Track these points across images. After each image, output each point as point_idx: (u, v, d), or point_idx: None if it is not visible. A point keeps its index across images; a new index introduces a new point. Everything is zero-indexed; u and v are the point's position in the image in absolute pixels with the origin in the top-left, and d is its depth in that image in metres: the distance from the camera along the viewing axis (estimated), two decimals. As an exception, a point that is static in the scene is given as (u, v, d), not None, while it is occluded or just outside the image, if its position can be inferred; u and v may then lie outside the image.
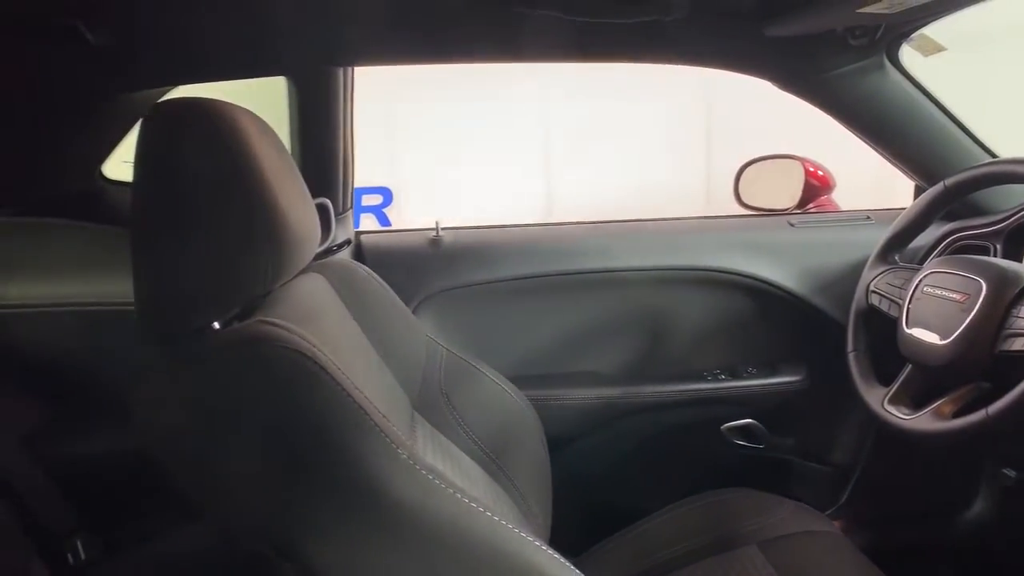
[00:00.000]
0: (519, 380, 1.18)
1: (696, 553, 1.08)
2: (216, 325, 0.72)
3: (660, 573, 1.06)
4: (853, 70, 1.10)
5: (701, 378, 1.36)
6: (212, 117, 0.70)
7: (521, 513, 1.08)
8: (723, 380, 1.35)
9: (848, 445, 1.39)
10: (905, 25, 1.02)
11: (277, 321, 0.67)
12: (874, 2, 0.82)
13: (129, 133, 1.23)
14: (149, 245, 0.70)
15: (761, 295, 1.35)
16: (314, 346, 0.65)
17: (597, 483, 1.34)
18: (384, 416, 0.66)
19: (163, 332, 0.70)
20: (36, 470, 1.21)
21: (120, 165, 1.29)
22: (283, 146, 0.87)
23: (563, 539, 1.21)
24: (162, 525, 1.27)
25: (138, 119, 1.20)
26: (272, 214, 0.71)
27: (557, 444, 1.27)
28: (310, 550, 0.62)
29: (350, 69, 1.19)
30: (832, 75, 1.11)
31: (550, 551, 0.71)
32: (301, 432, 0.61)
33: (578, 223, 1.44)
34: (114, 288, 1.21)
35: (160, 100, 1.20)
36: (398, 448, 0.64)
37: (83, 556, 1.21)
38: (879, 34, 1.02)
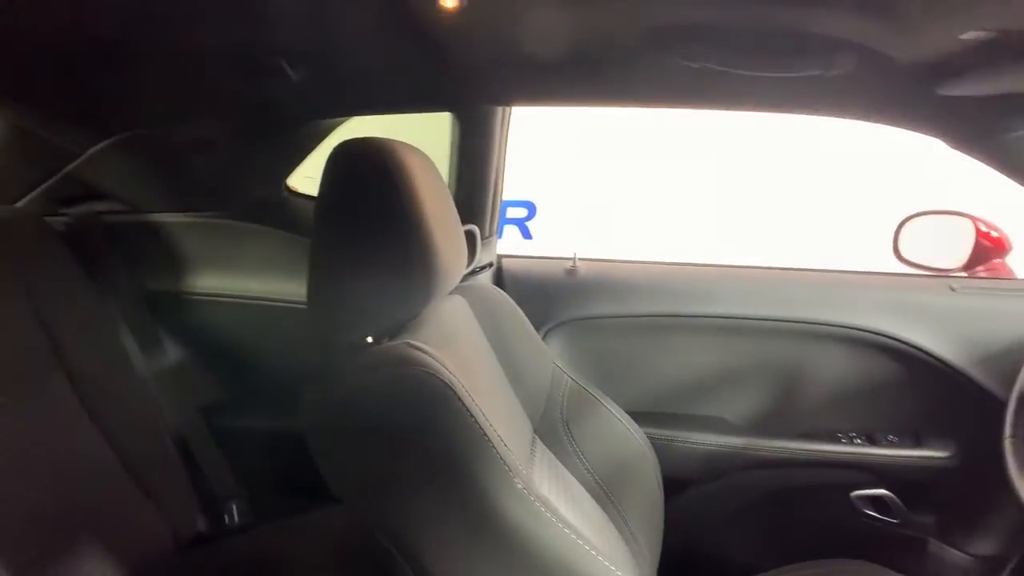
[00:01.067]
0: (640, 416, 1.20)
1: None
2: (369, 339, 0.82)
3: None
4: (1030, 132, 1.02)
5: (834, 439, 1.30)
6: (385, 156, 0.80)
7: (630, 551, 1.09)
8: (859, 445, 1.28)
9: (997, 536, 1.26)
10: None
11: (420, 345, 0.74)
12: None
13: (311, 152, 1.39)
14: (323, 262, 0.81)
15: (910, 360, 1.26)
16: (451, 372, 0.72)
17: (709, 532, 1.32)
18: (505, 444, 0.72)
19: (326, 339, 0.81)
20: (209, 438, 1.40)
21: (303, 180, 1.46)
22: (441, 180, 0.96)
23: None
24: (306, 504, 1.42)
25: (319, 141, 1.37)
26: (426, 246, 0.79)
27: (673, 486, 1.27)
28: (426, 554, 0.69)
29: (508, 108, 1.27)
30: (1012, 137, 1.03)
31: None
32: (429, 448, 0.68)
33: (717, 265, 1.43)
34: (288, 288, 1.38)
35: (340, 131, 1.36)
36: (515, 477, 0.69)
37: (236, 519, 1.38)
38: None
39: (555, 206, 3.20)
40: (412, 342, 0.75)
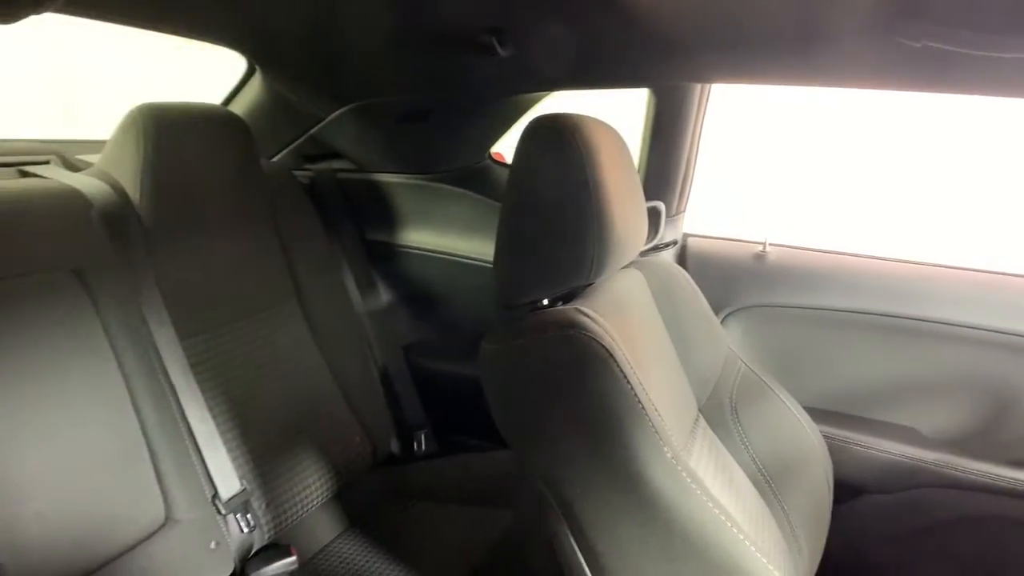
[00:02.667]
0: (816, 414, 1.15)
1: None
2: (544, 302, 0.89)
3: None
4: None
5: (1046, 471, 1.14)
6: (573, 130, 0.85)
7: (788, 548, 1.07)
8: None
9: None
10: None
11: (588, 311, 0.80)
12: None
13: (514, 124, 1.49)
14: (508, 227, 0.89)
15: None
16: (612, 339, 0.76)
17: (881, 547, 1.24)
18: (658, 413, 0.75)
19: (507, 299, 0.89)
20: (407, 374, 1.59)
21: (507, 150, 1.57)
22: (629, 156, 0.99)
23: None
24: (482, 445, 1.57)
25: (522, 114, 1.46)
26: (603, 220, 0.83)
27: (845, 492, 1.21)
28: (575, 502, 0.76)
29: (708, 85, 1.25)
30: None
31: None
32: (585, 407, 0.74)
33: (925, 264, 1.29)
34: (484, 247, 1.50)
35: (538, 105, 1.44)
36: (664, 446, 0.72)
37: (423, 448, 1.56)
38: None
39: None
40: (581, 308, 0.80)
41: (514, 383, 0.80)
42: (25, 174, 1.20)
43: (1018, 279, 1.22)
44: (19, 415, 0.89)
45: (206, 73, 1.55)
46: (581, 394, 0.74)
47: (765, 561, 0.74)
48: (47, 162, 1.25)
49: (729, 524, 0.73)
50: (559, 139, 0.84)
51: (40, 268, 0.98)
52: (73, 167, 1.25)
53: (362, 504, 1.37)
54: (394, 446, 1.53)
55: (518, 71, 1.22)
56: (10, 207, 1.01)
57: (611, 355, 0.74)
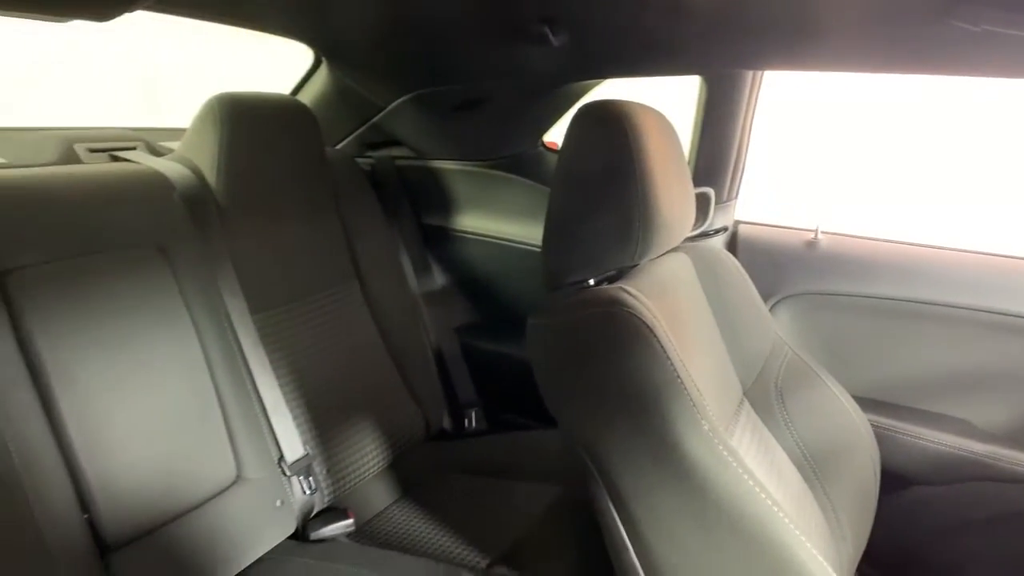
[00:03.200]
0: (865, 403, 1.15)
1: None
2: (591, 282, 0.92)
3: None
4: None
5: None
6: (621, 117, 0.88)
7: (831, 534, 1.08)
8: None
9: None
10: None
11: (631, 290, 0.83)
12: None
13: (566, 112, 1.52)
14: (556, 210, 0.93)
15: None
16: (654, 316, 0.80)
17: (928, 539, 1.23)
18: (698, 389, 0.78)
19: (554, 278, 0.93)
20: (459, 354, 1.65)
21: (559, 138, 1.60)
22: (677, 143, 1.01)
23: (872, 570, 1.17)
24: (531, 424, 1.62)
25: (574, 102, 1.49)
26: (648, 203, 0.86)
27: (892, 482, 1.20)
28: (615, 471, 0.79)
29: (759, 72, 1.25)
30: None
31: (825, 564, 0.74)
32: (626, 380, 0.77)
33: (982, 252, 1.26)
34: (536, 233, 1.54)
35: (590, 93, 1.46)
36: (702, 420, 0.75)
37: (474, 425, 1.62)
38: None
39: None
40: (624, 287, 0.84)
41: (558, 357, 0.84)
42: (115, 159, 1.30)
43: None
44: (112, 377, 0.99)
45: (273, 66, 1.63)
46: (621, 368, 0.77)
47: (801, 536, 0.76)
48: (134, 148, 1.35)
49: (764, 497, 0.76)
50: (607, 124, 0.87)
51: (130, 244, 1.08)
52: (157, 152, 1.35)
53: (415, 475, 1.44)
54: (446, 422, 1.60)
55: (570, 60, 1.25)
56: (104, 188, 1.11)
57: (652, 331, 0.77)
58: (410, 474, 1.44)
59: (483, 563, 1.12)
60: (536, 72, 1.31)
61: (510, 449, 1.50)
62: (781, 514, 0.76)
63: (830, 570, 0.75)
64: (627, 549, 0.81)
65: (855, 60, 1.14)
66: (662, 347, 0.77)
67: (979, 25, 0.86)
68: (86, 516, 0.94)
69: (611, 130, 0.87)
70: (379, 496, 1.38)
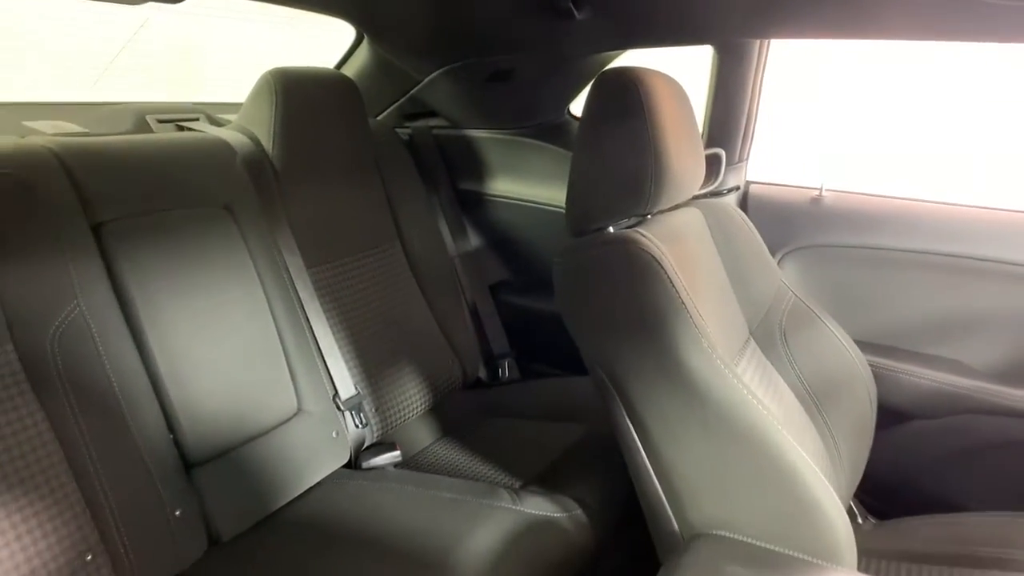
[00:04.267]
0: (865, 346, 1.26)
1: (1014, 564, 1.05)
2: (610, 229, 1.04)
3: (970, 563, 1.05)
4: None
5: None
6: (636, 82, 0.99)
7: (829, 459, 1.19)
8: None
9: None
10: None
11: (645, 233, 0.95)
12: None
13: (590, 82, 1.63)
14: (579, 165, 1.04)
15: None
16: (663, 253, 0.92)
17: (920, 467, 1.34)
18: (701, 316, 0.90)
19: (576, 228, 1.06)
20: (493, 309, 1.78)
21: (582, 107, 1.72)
22: (688, 106, 1.12)
23: (870, 500, 1.28)
24: (559, 373, 1.75)
25: (594, 74, 1.59)
26: (659, 158, 0.98)
27: (890, 417, 1.31)
28: (628, 385, 0.92)
29: (767, 41, 1.35)
30: None
31: (823, 480, 0.86)
32: (636, 304, 0.90)
33: (974, 206, 1.35)
34: (560, 195, 1.66)
35: (610, 64, 1.57)
36: (703, 339, 0.88)
37: (507, 374, 1.76)
38: None
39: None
40: (640, 231, 0.96)
41: (580, 289, 0.97)
42: (181, 128, 1.46)
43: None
44: (191, 318, 1.14)
45: (307, 42, 1.77)
46: (634, 296, 0.90)
47: (794, 442, 0.88)
48: (197, 119, 1.50)
49: (759, 406, 0.88)
50: (624, 88, 0.99)
51: (201, 202, 1.23)
52: (217, 123, 1.50)
53: (454, 417, 1.58)
54: (482, 372, 1.74)
55: (593, 32, 1.36)
56: (178, 153, 1.25)
57: (661, 266, 0.89)
58: (450, 417, 1.58)
59: (517, 484, 1.26)
60: (561, 44, 1.42)
61: (540, 395, 1.64)
62: (775, 423, 0.88)
63: (820, 474, 0.87)
64: (640, 453, 0.94)
65: (851, 28, 1.23)
66: (669, 279, 0.89)
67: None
68: (172, 436, 1.09)
69: (627, 93, 0.98)
70: (422, 434, 1.52)
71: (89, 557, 0.95)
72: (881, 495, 1.28)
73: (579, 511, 1.15)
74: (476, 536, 1.04)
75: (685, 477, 0.91)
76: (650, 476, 0.94)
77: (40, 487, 0.93)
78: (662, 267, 0.89)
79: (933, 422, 1.33)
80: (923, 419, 1.34)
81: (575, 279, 0.98)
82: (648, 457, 0.94)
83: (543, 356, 1.76)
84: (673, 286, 0.88)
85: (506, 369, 1.74)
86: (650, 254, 0.90)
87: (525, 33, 1.41)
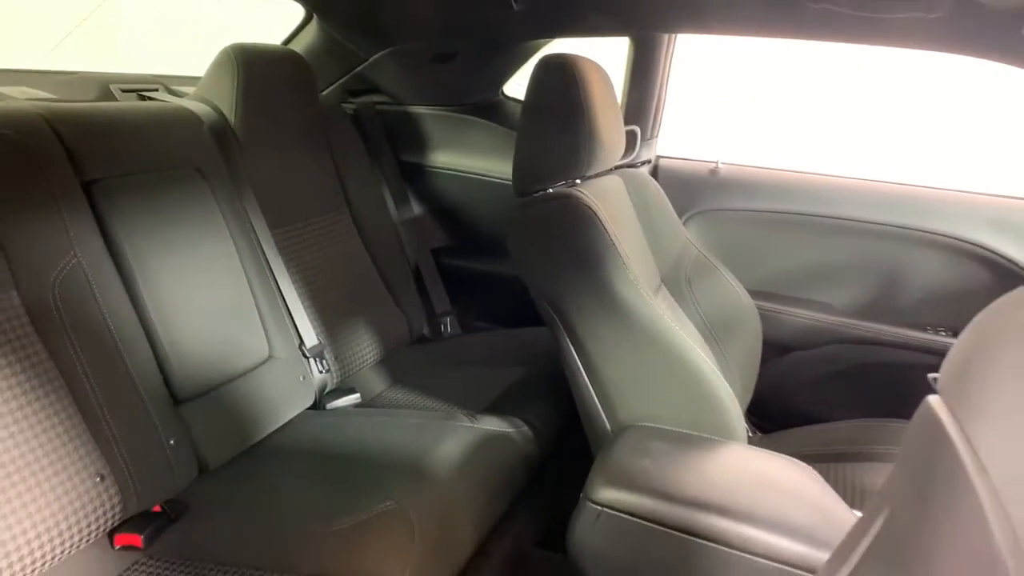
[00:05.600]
0: (754, 293, 1.53)
1: (871, 456, 1.31)
2: (550, 190, 1.25)
3: (837, 459, 1.30)
4: None
5: (923, 329, 1.53)
6: (571, 67, 1.20)
7: (728, 382, 1.45)
8: (943, 336, 1.51)
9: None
10: None
11: (580, 190, 1.16)
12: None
13: (522, 66, 1.83)
14: (525, 135, 1.24)
15: (1000, 270, 1.44)
16: (597, 206, 1.13)
17: (799, 388, 1.64)
18: (628, 254, 1.12)
19: (522, 189, 1.25)
20: (435, 271, 1.96)
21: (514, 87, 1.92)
22: (611, 87, 1.34)
23: (758, 419, 1.56)
24: (497, 326, 1.95)
25: (528, 58, 1.80)
26: (591, 130, 1.19)
27: (775, 349, 1.59)
28: (571, 315, 1.13)
29: (674, 35, 1.60)
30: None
31: (720, 377, 1.10)
32: (575, 247, 1.11)
33: (840, 176, 1.66)
34: (498, 167, 1.86)
35: (541, 50, 1.77)
36: (629, 272, 1.10)
37: (449, 330, 1.94)
38: None
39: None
40: (574, 189, 1.17)
41: (528, 237, 1.17)
42: (143, 98, 1.54)
43: (906, 187, 1.60)
44: (175, 268, 1.25)
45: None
46: (574, 240, 1.11)
47: (703, 353, 1.12)
48: (156, 89, 1.58)
49: (675, 327, 1.11)
50: (562, 72, 1.19)
51: (176, 165, 1.33)
52: (175, 94, 1.59)
53: (403, 367, 1.74)
54: (425, 329, 1.91)
55: (528, 21, 1.56)
56: (152, 120, 1.35)
57: (595, 214, 1.11)
58: (399, 367, 1.74)
59: (472, 413, 1.45)
60: (499, 31, 1.61)
61: (481, 346, 1.83)
62: (684, 337, 1.12)
63: (719, 373, 1.12)
64: (579, 369, 1.16)
65: (739, 26, 1.49)
66: (603, 225, 1.10)
67: (819, 3, 1.22)
68: (162, 375, 1.21)
69: (565, 75, 1.19)
70: (376, 382, 1.68)
71: (99, 479, 1.06)
72: (766, 413, 1.56)
73: (526, 428, 1.36)
74: (440, 448, 1.23)
75: (615, 383, 1.13)
76: (587, 386, 1.16)
77: (51, 418, 1.03)
78: (596, 217, 1.10)
79: (807, 352, 1.64)
80: (799, 350, 1.65)
81: (525, 230, 1.18)
82: (586, 371, 1.15)
83: (483, 313, 1.96)
84: (606, 230, 1.10)
85: (448, 326, 1.92)
86: (587, 206, 1.11)
87: (467, 20, 1.58)
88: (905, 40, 1.30)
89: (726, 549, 0.88)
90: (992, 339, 0.52)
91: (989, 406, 0.47)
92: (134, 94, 1.53)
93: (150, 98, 1.53)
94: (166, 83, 1.63)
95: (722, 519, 0.89)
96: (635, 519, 0.93)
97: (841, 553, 0.64)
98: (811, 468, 1.04)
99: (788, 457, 1.06)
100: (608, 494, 0.96)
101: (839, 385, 1.61)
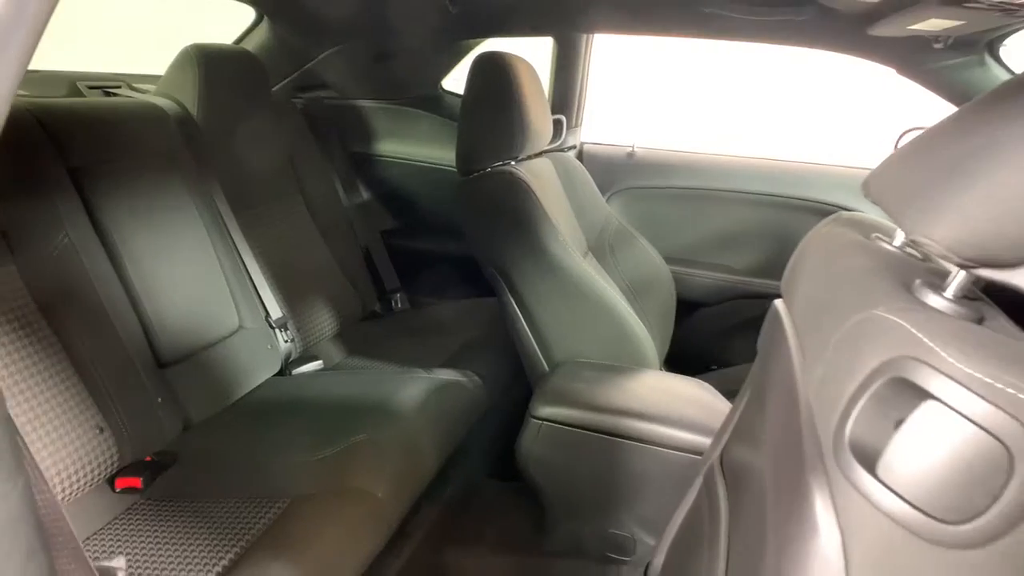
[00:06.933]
0: (669, 258, 1.77)
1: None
2: (489, 169, 1.45)
3: (731, 396, 1.57)
4: (956, 64, 1.44)
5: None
6: (504, 63, 1.40)
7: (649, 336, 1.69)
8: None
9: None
10: (988, 33, 1.34)
11: (517, 167, 1.37)
12: (924, 20, 1.21)
13: (458, 63, 2.02)
14: (466, 122, 1.43)
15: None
16: (531, 181, 1.34)
17: (709, 338, 1.90)
18: (559, 221, 1.34)
19: (465, 168, 1.45)
20: (384, 252, 2.13)
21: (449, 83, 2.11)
22: (539, 81, 1.55)
23: (674, 367, 1.80)
24: (442, 301, 2.14)
25: (464, 55, 1.99)
26: (523, 119, 1.39)
27: (688, 307, 1.85)
28: (512, 274, 1.34)
29: (592, 35, 1.83)
30: (939, 67, 1.46)
31: (636, 318, 1.33)
32: (515, 217, 1.31)
33: (738, 156, 1.93)
34: (439, 154, 2.05)
35: (475, 49, 1.97)
36: (559, 234, 1.31)
37: (399, 306, 2.11)
38: (951, 41, 1.35)
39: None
40: (511, 168, 1.37)
41: (474, 209, 1.37)
42: (108, 94, 1.65)
43: (789, 163, 1.88)
44: (155, 246, 1.38)
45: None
46: (513, 209, 1.31)
47: (627, 305, 1.34)
48: (119, 86, 1.70)
49: (602, 280, 1.33)
50: (497, 67, 1.39)
51: (148, 154, 1.46)
52: (137, 91, 1.71)
53: (359, 338, 1.91)
54: (376, 305, 2.08)
55: (463, 23, 1.75)
56: (125, 113, 1.48)
57: (530, 187, 1.31)
58: (354, 340, 1.90)
59: (430, 367, 1.63)
60: (438, 31, 1.80)
61: (429, 318, 2.02)
62: (614, 292, 1.34)
63: (635, 315, 1.34)
64: (520, 319, 1.37)
65: (647, 27, 1.73)
66: (536, 197, 1.31)
67: (709, 8, 1.47)
68: (148, 341, 1.34)
69: (500, 70, 1.39)
70: (336, 351, 1.84)
71: (99, 431, 1.20)
72: (681, 361, 1.80)
73: (476, 378, 1.56)
74: (402, 393, 1.41)
75: (550, 328, 1.34)
76: (527, 333, 1.37)
77: (54, 378, 1.16)
78: (531, 189, 1.31)
79: (714, 307, 1.90)
80: (707, 306, 1.91)
81: (471, 203, 1.38)
82: (525, 320, 1.36)
83: (430, 289, 2.14)
84: (539, 201, 1.31)
85: (398, 302, 2.10)
86: (523, 180, 1.32)
87: (407, 21, 1.76)
88: (782, 38, 1.56)
89: (642, 445, 1.10)
90: (806, 250, 0.75)
91: (797, 293, 0.70)
92: (100, 91, 1.64)
93: (115, 94, 1.65)
94: (128, 81, 1.74)
95: (639, 422, 1.11)
96: (570, 428, 1.15)
97: (719, 435, 0.87)
98: (708, 384, 1.28)
99: (691, 377, 1.30)
100: (547, 410, 1.17)
101: (741, 334, 1.87)
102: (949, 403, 0.39)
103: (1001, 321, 0.49)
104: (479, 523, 1.38)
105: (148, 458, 1.29)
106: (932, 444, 0.39)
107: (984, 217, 0.45)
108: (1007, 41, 1.41)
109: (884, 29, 1.34)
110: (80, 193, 1.30)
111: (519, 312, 1.37)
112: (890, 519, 0.40)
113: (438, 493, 1.33)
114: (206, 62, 1.61)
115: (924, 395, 0.39)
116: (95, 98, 1.51)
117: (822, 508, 0.43)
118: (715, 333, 1.90)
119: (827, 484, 0.44)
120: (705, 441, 1.06)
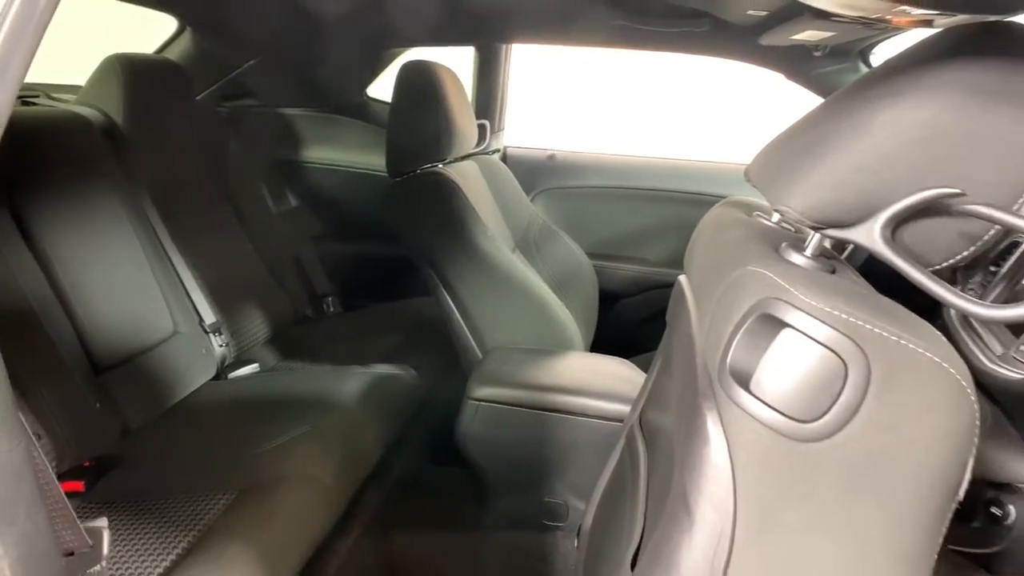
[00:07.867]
0: (590, 253, 1.89)
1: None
2: (419, 170, 1.52)
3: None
4: (834, 70, 1.64)
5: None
6: (430, 71, 1.48)
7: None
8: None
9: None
10: (859, 43, 1.54)
11: (445, 170, 1.45)
12: (801, 32, 1.38)
13: (382, 71, 2.09)
14: (395, 126, 1.51)
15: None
16: (459, 180, 1.43)
17: (630, 327, 2.03)
18: (486, 218, 1.43)
19: (396, 171, 1.52)
20: (315, 256, 2.16)
21: (375, 90, 2.17)
22: (462, 88, 1.64)
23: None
24: (373, 303, 2.19)
25: (388, 64, 2.07)
26: (449, 123, 1.48)
27: (610, 297, 1.98)
28: (446, 271, 1.42)
29: (510, 45, 1.95)
30: (820, 72, 1.65)
31: (563, 307, 1.44)
32: (446, 215, 1.40)
33: (650, 156, 2.09)
34: (367, 160, 2.10)
35: (402, 58, 2.04)
36: (488, 230, 1.40)
37: (331, 310, 2.15)
38: (828, 50, 1.55)
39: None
40: (440, 170, 1.46)
41: (406, 209, 1.45)
42: (27, 103, 1.63)
43: (694, 162, 2.05)
44: (87, 254, 1.39)
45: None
46: (443, 208, 1.40)
47: (552, 294, 1.45)
48: (38, 96, 1.68)
49: (529, 272, 1.43)
50: (423, 75, 1.48)
51: (75, 163, 1.46)
52: (58, 101, 1.69)
53: (292, 344, 1.93)
54: (308, 310, 2.11)
55: (387, 32, 1.83)
56: (44, 122, 1.47)
57: (458, 186, 1.40)
58: (287, 345, 1.92)
59: (365, 364, 1.68)
60: (361, 41, 1.86)
61: (361, 321, 2.06)
62: (534, 279, 1.44)
63: (562, 304, 1.45)
64: (454, 312, 1.45)
65: (560, 38, 1.86)
66: (464, 195, 1.40)
67: (616, 21, 1.60)
68: (83, 347, 1.34)
69: (425, 78, 1.47)
70: (271, 355, 1.86)
71: (37, 437, 1.20)
72: (605, 350, 1.92)
73: (413, 371, 1.63)
74: (342, 387, 1.46)
75: (481, 318, 1.43)
76: (460, 324, 1.45)
77: (-14, 385, 1.16)
78: (460, 189, 1.40)
79: (633, 298, 2.04)
80: (626, 297, 2.05)
81: (403, 203, 1.45)
82: (459, 312, 1.45)
83: (362, 292, 2.19)
84: (468, 199, 1.40)
85: (330, 305, 2.13)
86: (452, 181, 1.40)
87: (330, 31, 1.82)
88: (683, 48, 1.72)
89: (571, 417, 1.21)
90: (702, 229, 0.87)
91: (694, 266, 0.81)
92: (18, 100, 1.62)
93: (34, 103, 1.63)
94: (45, 91, 1.72)
95: (566, 396, 1.22)
96: (504, 406, 1.24)
97: (637, 401, 0.98)
98: (628, 362, 1.40)
99: (612, 356, 1.41)
100: (483, 391, 1.26)
101: (659, 321, 2.00)
102: (801, 329, 0.50)
103: (848, 273, 0.62)
104: (423, 504, 1.45)
105: (87, 463, 1.29)
106: (790, 362, 0.50)
107: (828, 187, 0.57)
108: (876, 50, 1.61)
109: (772, 39, 1.51)
110: (7, 202, 1.29)
111: (453, 305, 1.45)
112: (762, 424, 0.51)
113: (383, 478, 1.40)
114: (130, 71, 1.62)
115: (783, 325, 0.50)
116: (14, 107, 1.49)
117: (712, 424, 0.54)
118: (635, 322, 2.04)
119: (715, 405, 0.54)
120: (626, 410, 1.16)
